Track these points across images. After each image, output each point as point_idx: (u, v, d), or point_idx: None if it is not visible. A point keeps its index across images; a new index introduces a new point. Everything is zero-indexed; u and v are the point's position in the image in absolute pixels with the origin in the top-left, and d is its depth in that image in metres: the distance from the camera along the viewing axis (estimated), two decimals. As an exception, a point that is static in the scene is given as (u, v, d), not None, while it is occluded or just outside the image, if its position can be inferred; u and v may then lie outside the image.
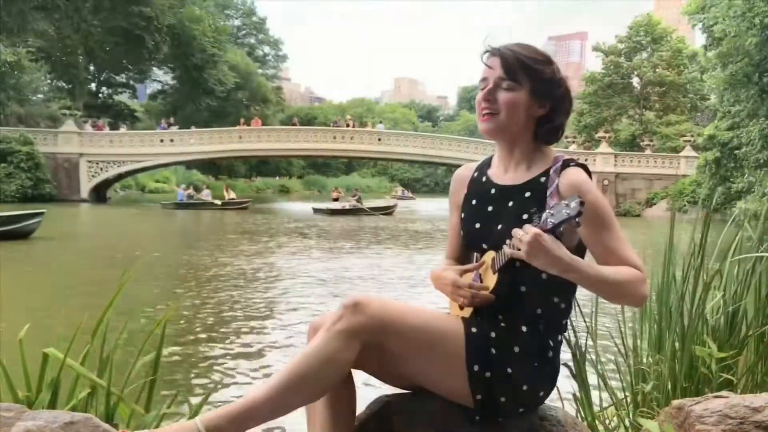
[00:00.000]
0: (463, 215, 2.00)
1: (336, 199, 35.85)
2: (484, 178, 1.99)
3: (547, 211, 1.65)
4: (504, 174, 1.95)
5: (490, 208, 1.91)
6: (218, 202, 33.94)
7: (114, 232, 20.41)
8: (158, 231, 21.72)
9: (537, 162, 1.90)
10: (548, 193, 1.81)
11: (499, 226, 1.85)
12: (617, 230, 1.81)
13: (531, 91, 1.83)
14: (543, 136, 1.90)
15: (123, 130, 41.18)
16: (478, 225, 1.93)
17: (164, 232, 21.66)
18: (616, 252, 1.77)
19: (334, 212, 31.37)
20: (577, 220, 1.59)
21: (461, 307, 1.92)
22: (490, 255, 1.86)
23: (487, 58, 1.88)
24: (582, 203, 1.58)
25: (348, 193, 40.72)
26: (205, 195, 35.16)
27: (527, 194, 1.86)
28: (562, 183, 1.81)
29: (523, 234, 1.64)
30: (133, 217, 27.53)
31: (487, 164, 2.03)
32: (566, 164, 1.85)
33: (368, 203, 35.60)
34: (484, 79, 1.88)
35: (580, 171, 1.85)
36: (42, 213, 16.09)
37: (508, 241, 1.75)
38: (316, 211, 32.26)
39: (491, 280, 1.83)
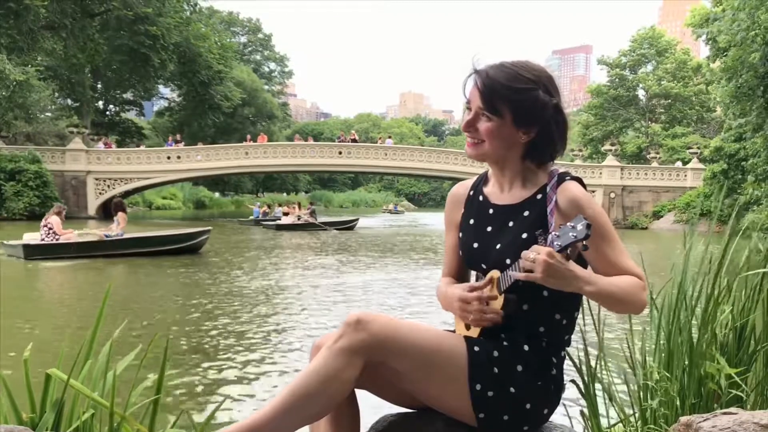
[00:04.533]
0: (461, 235, 1.98)
1: (286, 214, 33.58)
2: (480, 197, 1.97)
3: (553, 233, 1.64)
4: (500, 193, 1.93)
5: (489, 228, 1.90)
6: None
7: (248, 246, 21.80)
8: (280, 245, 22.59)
9: (531, 179, 1.88)
10: (548, 210, 1.79)
11: (498, 246, 1.84)
12: (616, 241, 1.80)
13: (513, 120, 1.79)
14: (533, 159, 1.86)
15: (137, 147, 41.41)
16: (476, 245, 1.91)
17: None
18: (617, 263, 1.78)
19: (280, 227, 30.12)
20: (584, 243, 1.58)
21: (467, 327, 1.90)
22: (494, 274, 1.83)
23: (470, 82, 1.84)
24: (589, 226, 1.57)
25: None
26: (277, 212, 36.10)
27: (526, 213, 1.84)
28: (561, 199, 1.79)
29: (536, 255, 1.62)
30: (235, 232, 28.10)
31: (482, 181, 2.02)
32: (561, 179, 1.83)
33: (338, 218, 35.08)
34: (468, 101, 1.84)
35: (577, 185, 1.82)
36: (209, 230, 17.92)
37: (509, 262, 1.75)
38: (265, 226, 31.33)
39: (497, 301, 1.81)
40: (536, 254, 1.62)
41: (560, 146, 1.86)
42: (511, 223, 1.86)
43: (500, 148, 1.83)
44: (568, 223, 1.62)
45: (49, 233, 15.35)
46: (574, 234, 1.58)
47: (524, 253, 1.65)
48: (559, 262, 1.61)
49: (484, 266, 1.88)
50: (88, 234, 16.13)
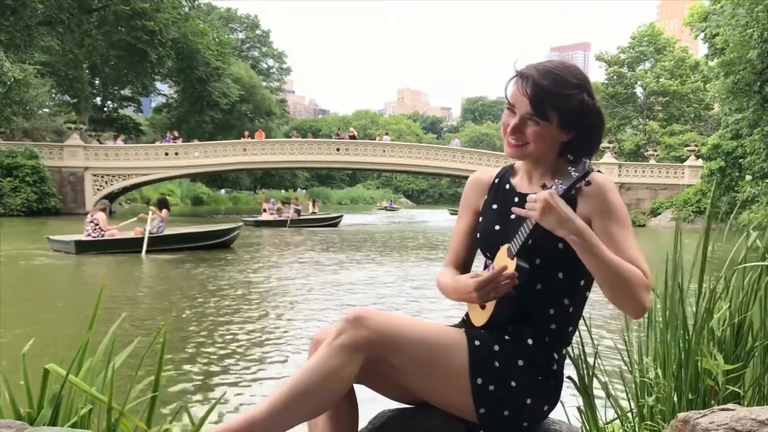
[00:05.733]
0: (481, 219, 2.00)
1: (265, 210, 32.23)
2: (507, 186, 2.00)
3: (557, 180, 1.71)
4: (529, 184, 1.96)
5: (513, 216, 1.90)
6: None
7: (272, 242, 22.24)
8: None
9: (562, 172, 1.89)
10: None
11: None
12: (631, 233, 1.82)
13: (559, 123, 1.82)
14: (570, 155, 1.88)
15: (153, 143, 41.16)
16: (498, 227, 1.93)
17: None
18: (627, 252, 1.77)
19: (259, 224, 29.80)
20: (586, 179, 1.66)
21: (482, 307, 1.90)
22: (505, 246, 1.86)
23: (515, 86, 1.85)
24: (590, 165, 1.65)
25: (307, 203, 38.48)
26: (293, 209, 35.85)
27: None
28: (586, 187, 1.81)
29: (538, 196, 1.68)
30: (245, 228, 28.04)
31: (509, 172, 2.04)
32: (589, 170, 1.84)
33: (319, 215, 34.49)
34: (512, 106, 1.86)
35: (604, 176, 1.87)
36: (240, 226, 19.63)
37: (530, 243, 1.78)
38: (246, 223, 30.38)
39: (509, 267, 1.82)
40: (538, 195, 1.69)
41: (596, 146, 1.90)
42: None
43: (543, 149, 1.86)
44: (570, 168, 1.70)
45: (95, 229, 16.08)
46: (576, 173, 1.66)
47: (530, 196, 1.72)
48: (557, 204, 1.66)
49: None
50: (128, 228, 17.11)
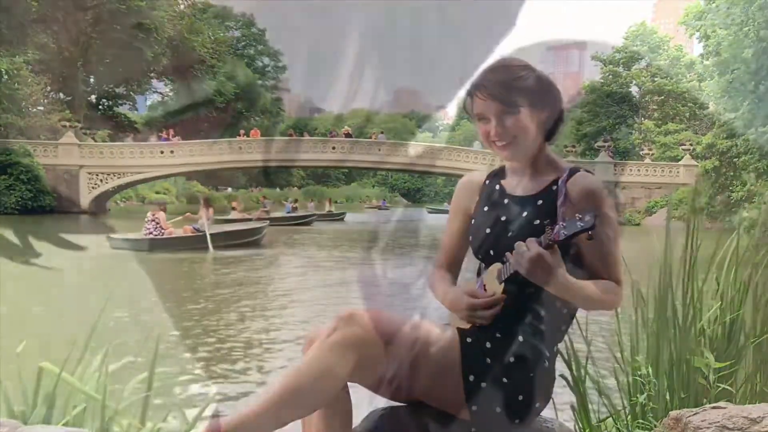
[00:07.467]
0: (473, 221, 2.01)
1: (234, 209, 29.26)
2: (497, 186, 2.01)
3: (561, 223, 1.69)
4: (517, 185, 1.97)
5: (503, 218, 1.93)
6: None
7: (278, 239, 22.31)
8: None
9: (549, 172, 1.93)
10: (558, 202, 1.83)
11: (510, 234, 1.87)
12: (618, 244, 1.87)
13: (530, 105, 1.85)
14: (549, 136, 1.94)
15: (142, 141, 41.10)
16: (488, 230, 1.94)
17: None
18: (609, 265, 1.84)
19: (229, 223, 27.82)
20: (590, 233, 1.64)
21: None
22: (496, 267, 1.87)
23: (476, 98, 1.88)
24: (596, 217, 1.63)
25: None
26: (310, 208, 36.79)
27: (539, 202, 1.89)
28: (573, 190, 1.84)
29: (526, 251, 1.67)
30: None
31: (499, 173, 2.05)
32: (573, 172, 1.88)
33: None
34: (481, 114, 1.88)
35: (590, 176, 1.89)
36: (267, 224, 20.59)
37: (508, 254, 1.77)
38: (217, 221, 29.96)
39: (497, 290, 1.84)
40: (526, 249, 1.68)
41: (562, 118, 1.95)
42: (525, 213, 1.90)
43: (530, 137, 1.88)
44: (577, 215, 1.68)
45: (156, 227, 16.60)
46: (581, 224, 1.64)
47: (517, 244, 1.71)
48: (545, 260, 1.67)
49: (492, 252, 1.91)
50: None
